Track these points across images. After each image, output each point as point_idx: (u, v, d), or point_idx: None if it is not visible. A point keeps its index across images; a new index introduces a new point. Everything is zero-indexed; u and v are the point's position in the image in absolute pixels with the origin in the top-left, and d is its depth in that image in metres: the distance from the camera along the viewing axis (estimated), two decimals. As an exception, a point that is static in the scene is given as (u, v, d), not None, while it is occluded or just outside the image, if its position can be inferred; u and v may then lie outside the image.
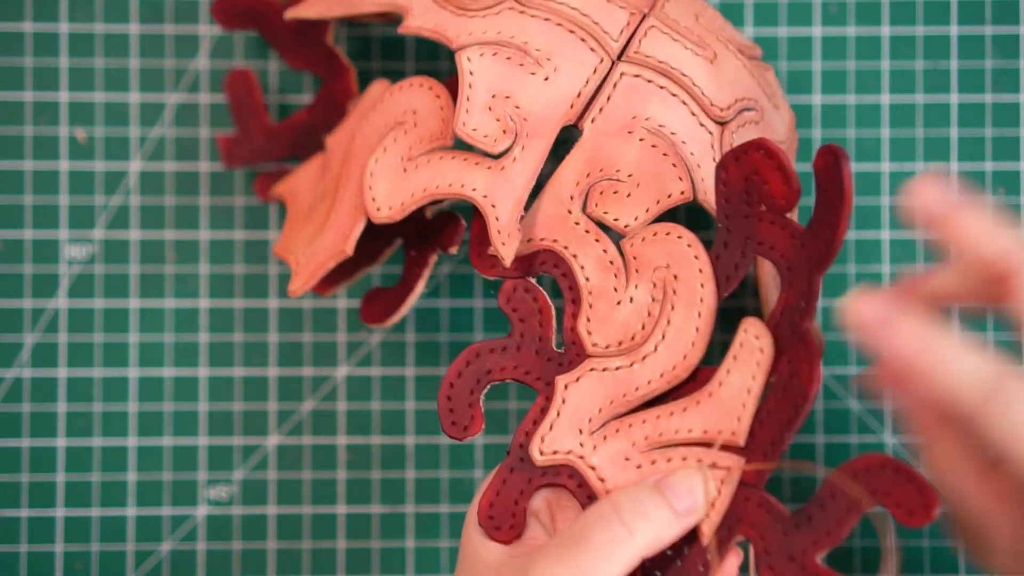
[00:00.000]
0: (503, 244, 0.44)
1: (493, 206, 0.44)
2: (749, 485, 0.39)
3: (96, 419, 0.54)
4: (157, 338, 0.54)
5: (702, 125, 0.44)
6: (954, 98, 0.54)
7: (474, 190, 0.44)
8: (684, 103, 0.44)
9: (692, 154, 0.44)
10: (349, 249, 0.45)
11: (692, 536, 0.40)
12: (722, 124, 0.45)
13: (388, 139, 0.45)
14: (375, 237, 0.50)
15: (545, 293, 0.44)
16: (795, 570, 0.37)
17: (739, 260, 0.41)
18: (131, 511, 0.54)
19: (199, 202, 0.55)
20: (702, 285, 0.41)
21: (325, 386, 0.54)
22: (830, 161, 0.38)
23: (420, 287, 0.48)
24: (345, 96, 0.51)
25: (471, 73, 0.44)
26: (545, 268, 0.44)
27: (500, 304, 0.45)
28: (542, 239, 0.44)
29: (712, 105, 0.45)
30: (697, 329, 0.41)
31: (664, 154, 0.44)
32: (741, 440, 0.40)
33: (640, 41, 0.45)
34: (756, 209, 0.40)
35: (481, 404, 0.44)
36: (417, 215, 0.49)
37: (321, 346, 0.54)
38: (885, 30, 0.54)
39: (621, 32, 0.45)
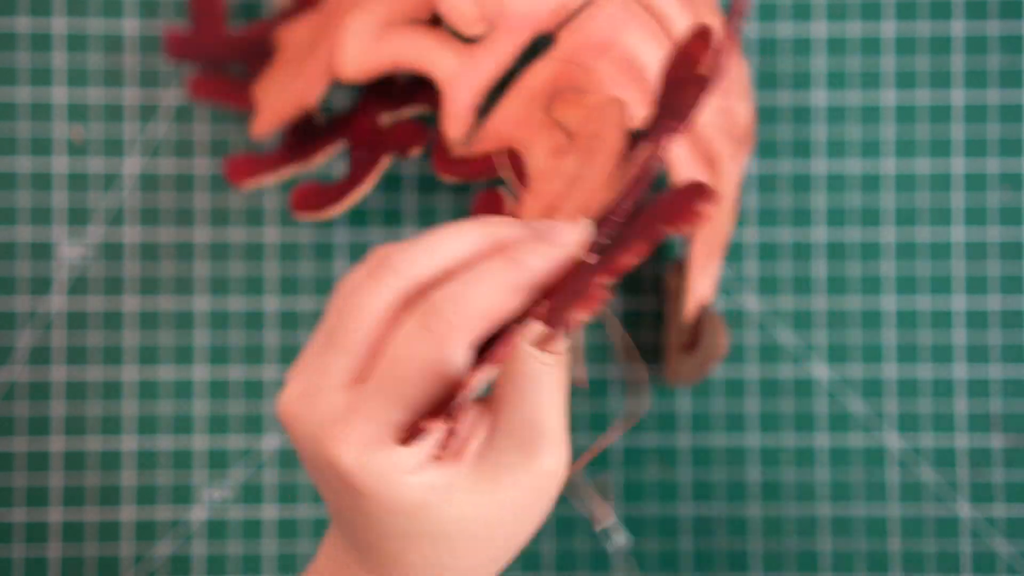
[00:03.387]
0: (455, 127, 0.44)
1: (452, 88, 0.44)
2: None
3: (92, 421, 0.54)
4: (154, 339, 0.54)
5: None
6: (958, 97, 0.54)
7: (439, 69, 0.44)
8: (661, 44, 0.45)
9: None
10: (312, 101, 0.46)
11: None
12: None
13: (371, 1, 0.46)
14: (314, 135, 0.50)
15: (508, 197, 0.45)
16: (569, 295, 0.35)
17: (660, 132, 0.40)
18: (127, 514, 0.54)
19: (196, 202, 0.54)
20: (616, 137, 0.41)
21: (324, 387, 0.54)
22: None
23: (368, 186, 0.48)
24: None
25: None
26: (503, 169, 0.45)
27: (473, 214, 0.45)
28: (502, 138, 0.45)
29: None
30: (604, 174, 0.41)
31: (633, 79, 0.44)
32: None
33: None
34: (681, 86, 0.39)
35: None
36: (371, 120, 0.49)
37: (320, 347, 0.54)
38: (888, 27, 0.54)
39: None
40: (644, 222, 0.35)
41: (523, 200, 0.43)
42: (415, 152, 0.47)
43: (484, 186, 0.45)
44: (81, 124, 0.54)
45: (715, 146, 0.47)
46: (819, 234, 0.54)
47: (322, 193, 0.49)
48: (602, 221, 0.37)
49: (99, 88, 0.54)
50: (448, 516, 0.34)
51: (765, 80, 0.54)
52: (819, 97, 0.54)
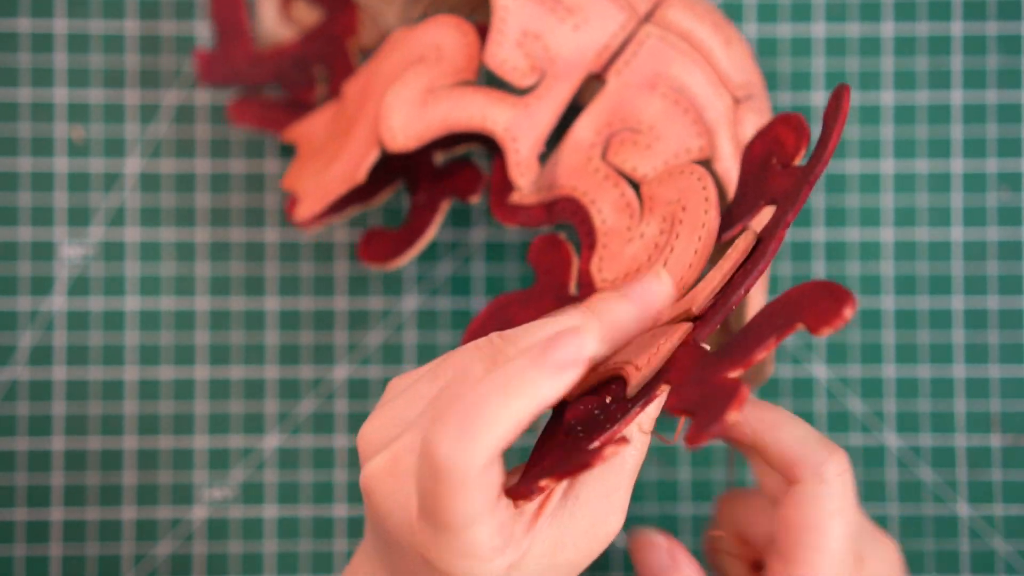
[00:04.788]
0: (521, 176, 0.45)
1: (514, 140, 0.44)
2: (688, 344, 0.38)
3: (93, 420, 0.54)
4: (155, 339, 0.54)
5: (720, 95, 0.45)
6: (957, 97, 0.54)
7: (495, 123, 0.44)
8: (704, 71, 0.45)
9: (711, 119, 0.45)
10: (361, 176, 0.46)
11: (619, 389, 0.39)
12: (736, 101, 0.45)
13: (409, 73, 0.46)
14: (375, 176, 0.50)
15: (570, 244, 0.45)
16: (699, 387, 0.36)
17: (746, 210, 0.41)
18: (128, 513, 0.54)
19: (197, 202, 0.54)
20: (706, 212, 0.41)
21: (324, 387, 0.54)
22: (834, 99, 0.39)
23: (431, 233, 0.49)
24: (345, 32, 0.51)
25: (505, 8, 0.45)
26: (564, 216, 0.45)
27: (529, 258, 0.45)
28: (562, 186, 0.45)
29: (728, 79, 0.45)
30: (696, 252, 0.41)
31: (685, 111, 0.44)
32: (695, 309, 0.39)
33: (666, 9, 0.46)
34: (771, 170, 0.41)
35: None
36: (427, 159, 0.49)
37: (321, 347, 0.54)
38: (887, 28, 0.55)
39: None
40: (778, 319, 0.35)
41: (593, 256, 0.44)
42: (474, 199, 0.48)
43: (544, 231, 0.46)
44: (82, 124, 0.55)
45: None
46: (818, 234, 0.54)
47: (388, 243, 0.50)
48: (711, 307, 0.38)
49: (100, 88, 0.54)
50: None
51: (764, 80, 0.54)
52: (818, 98, 0.55)
